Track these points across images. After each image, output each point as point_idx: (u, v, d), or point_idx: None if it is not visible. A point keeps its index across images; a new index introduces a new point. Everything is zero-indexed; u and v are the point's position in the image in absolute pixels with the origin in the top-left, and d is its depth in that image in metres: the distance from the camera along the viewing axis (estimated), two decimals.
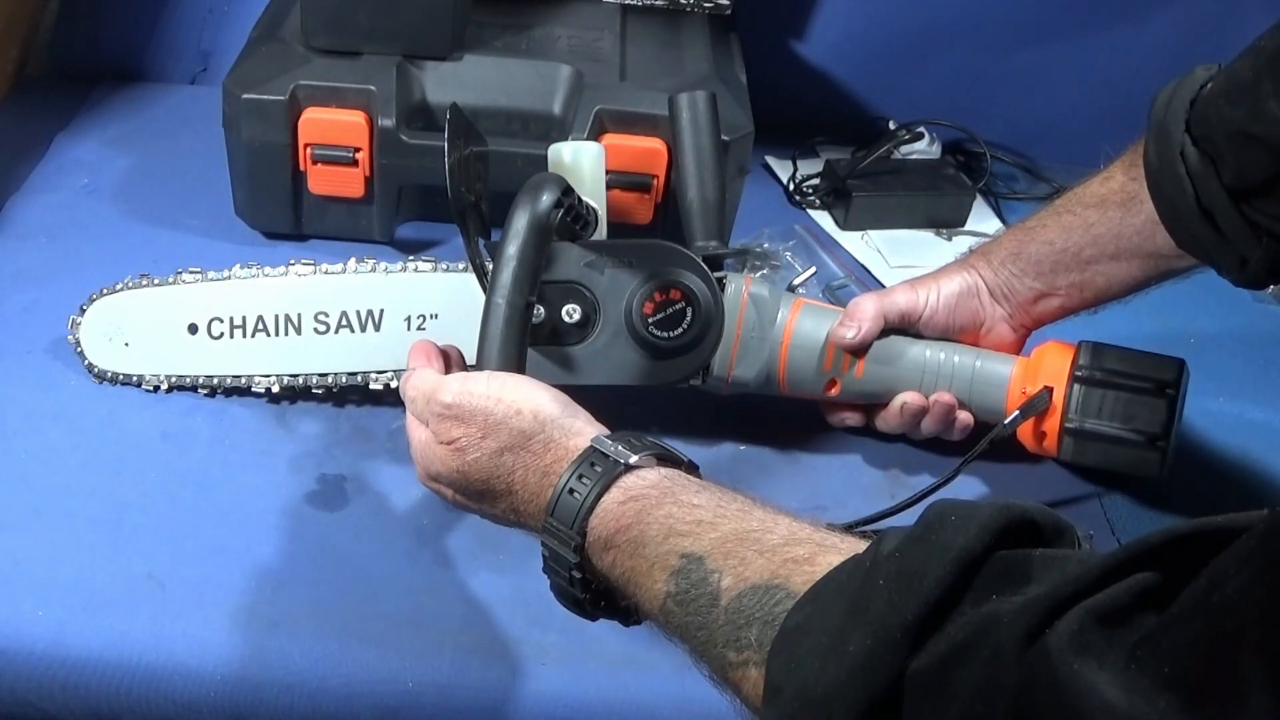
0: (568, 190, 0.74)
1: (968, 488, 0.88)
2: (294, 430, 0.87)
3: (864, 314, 0.85)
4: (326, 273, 0.86)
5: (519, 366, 0.70)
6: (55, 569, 0.74)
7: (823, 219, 1.20)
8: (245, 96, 0.97)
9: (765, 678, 0.49)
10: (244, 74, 0.99)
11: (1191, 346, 1.07)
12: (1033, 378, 0.85)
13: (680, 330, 0.82)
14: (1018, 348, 0.89)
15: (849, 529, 0.82)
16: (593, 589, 0.61)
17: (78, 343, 0.87)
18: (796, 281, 1.08)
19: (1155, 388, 0.83)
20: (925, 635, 0.44)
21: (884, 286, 1.11)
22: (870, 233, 1.18)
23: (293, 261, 0.87)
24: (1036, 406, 0.84)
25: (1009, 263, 0.86)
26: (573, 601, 0.62)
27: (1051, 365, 0.85)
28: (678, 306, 0.81)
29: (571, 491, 0.60)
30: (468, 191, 0.80)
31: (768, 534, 0.54)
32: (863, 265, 1.14)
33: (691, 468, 0.63)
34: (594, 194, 0.80)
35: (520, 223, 0.71)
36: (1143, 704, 0.36)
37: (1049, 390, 0.84)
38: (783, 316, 0.86)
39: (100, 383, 0.87)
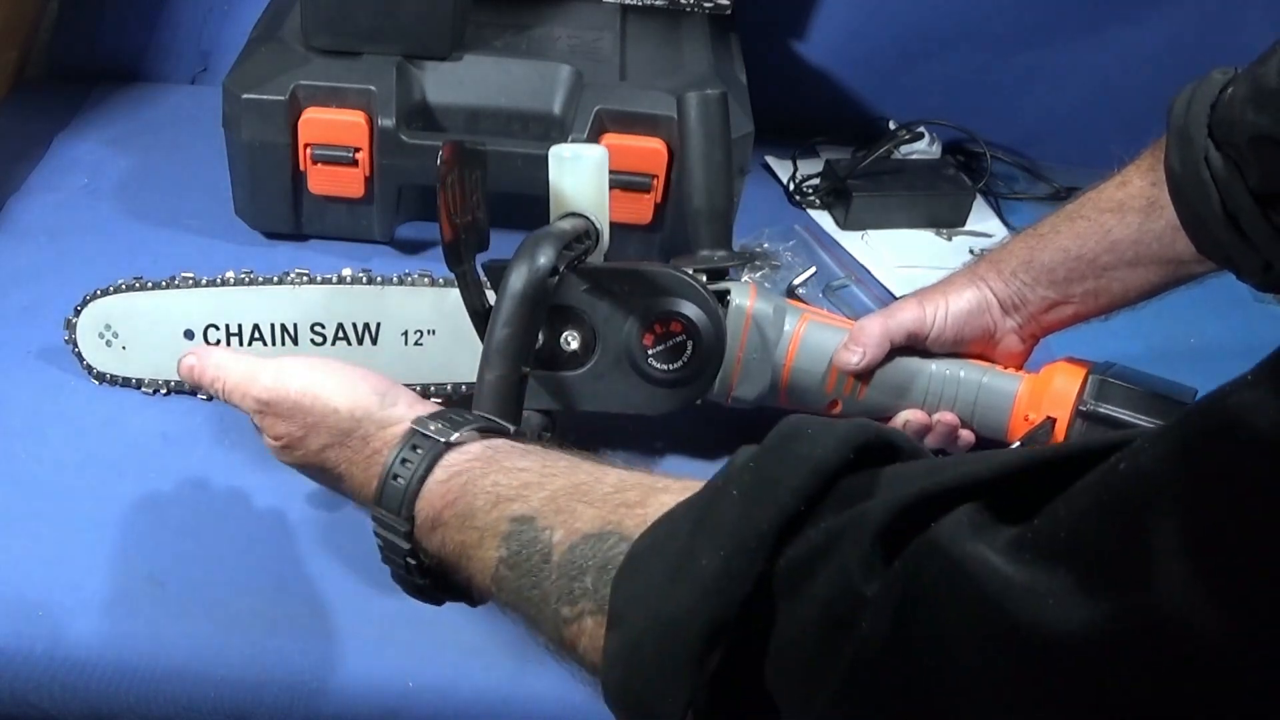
0: (569, 243, 0.72)
1: None
2: None
3: (869, 339, 0.83)
4: (321, 284, 0.85)
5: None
6: (55, 569, 0.74)
7: (823, 219, 1.20)
8: (245, 96, 0.97)
9: (608, 613, 0.47)
10: (244, 74, 0.99)
11: (1193, 348, 1.08)
12: (1038, 403, 0.83)
13: (680, 363, 0.80)
14: (1025, 356, 0.88)
15: None
16: (431, 573, 0.59)
17: (75, 344, 0.86)
18: (796, 281, 1.08)
19: None
20: (782, 544, 0.42)
21: (884, 286, 1.11)
22: (870, 233, 1.18)
23: (288, 272, 0.85)
24: (1038, 438, 0.82)
25: (1020, 272, 0.85)
26: (415, 589, 0.60)
27: (1058, 391, 0.83)
28: (678, 339, 0.80)
29: (395, 477, 0.58)
30: (460, 213, 0.76)
31: (598, 484, 0.53)
32: (863, 265, 1.14)
33: (518, 436, 0.62)
34: (596, 202, 0.78)
35: (515, 286, 0.69)
36: (1042, 576, 0.34)
37: (1052, 421, 0.82)
38: (786, 336, 0.84)
39: (100, 384, 0.87)
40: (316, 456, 0.64)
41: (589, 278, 0.78)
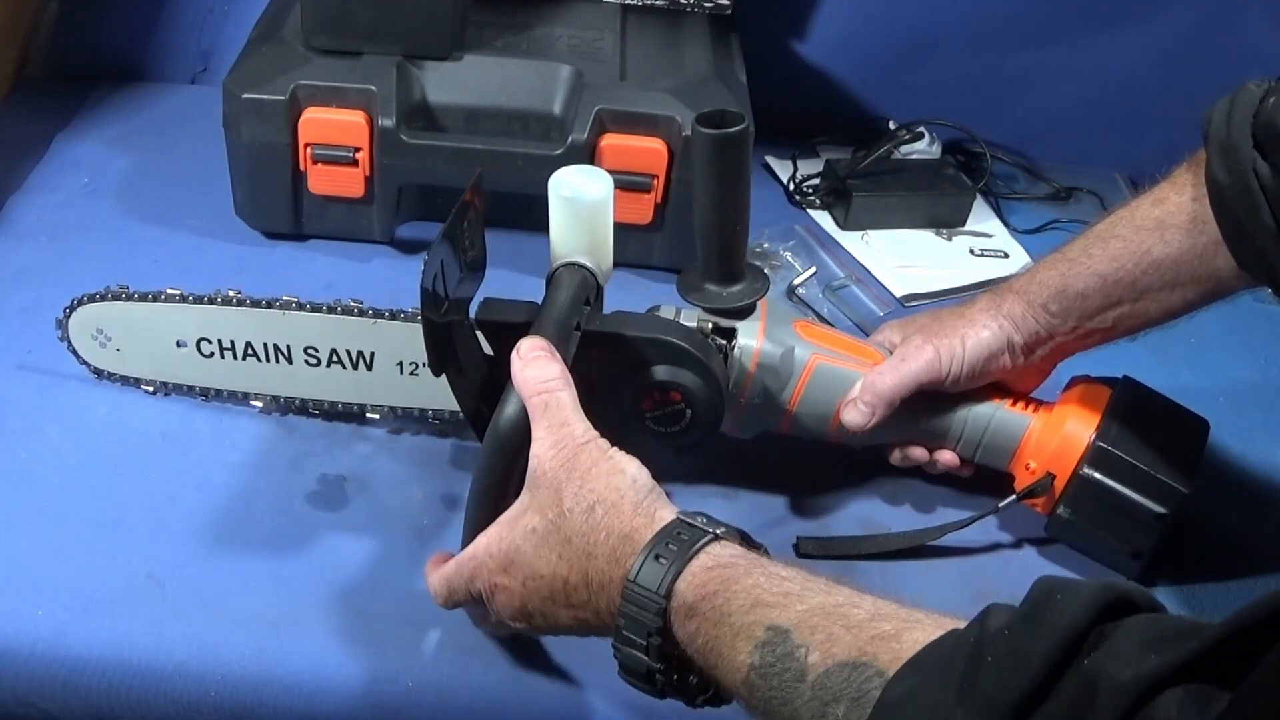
0: (572, 329, 0.70)
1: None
2: (294, 430, 0.87)
3: (878, 397, 0.80)
4: (311, 312, 0.82)
5: None
6: (55, 569, 0.74)
7: (823, 219, 1.20)
8: (245, 96, 0.97)
9: None
10: (244, 74, 0.99)
11: (1193, 347, 1.08)
12: (1045, 447, 0.82)
13: (678, 428, 0.78)
14: (1041, 381, 0.86)
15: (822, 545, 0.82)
16: (668, 657, 0.59)
17: (69, 341, 0.86)
18: (796, 281, 1.08)
19: (1153, 516, 0.79)
20: (1029, 712, 0.44)
21: (884, 286, 1.11)
22: (870, 233, 1.18)
23: (276, 298, 0.83)
24: (1035, 492, 0.82)
25: (1052, 303, 0.80)
26: (644, 675, 0.60)
27: (1065, 442, 0.81)
28: (676, 407, 0.78)
29: (658, 558, 0.58)
30: (448, 292, 0.72)
31: (854, 609, 0.54)
32: (863, 265, 1.14)
33: (767, 553, 0.62)
34: (596, 243, 0.75)
35: (504, 431, 0.67)
36: None
37: (1051, 477, 0.81)
38: (793, 379, 0.81)
39: (99, 379, 0.87)
40: (584, 516, 0.62)
41: (589, 337, 0.74)
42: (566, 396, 0.65)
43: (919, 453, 0.85)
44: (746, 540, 0.61)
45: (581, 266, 0.74)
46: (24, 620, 0.71)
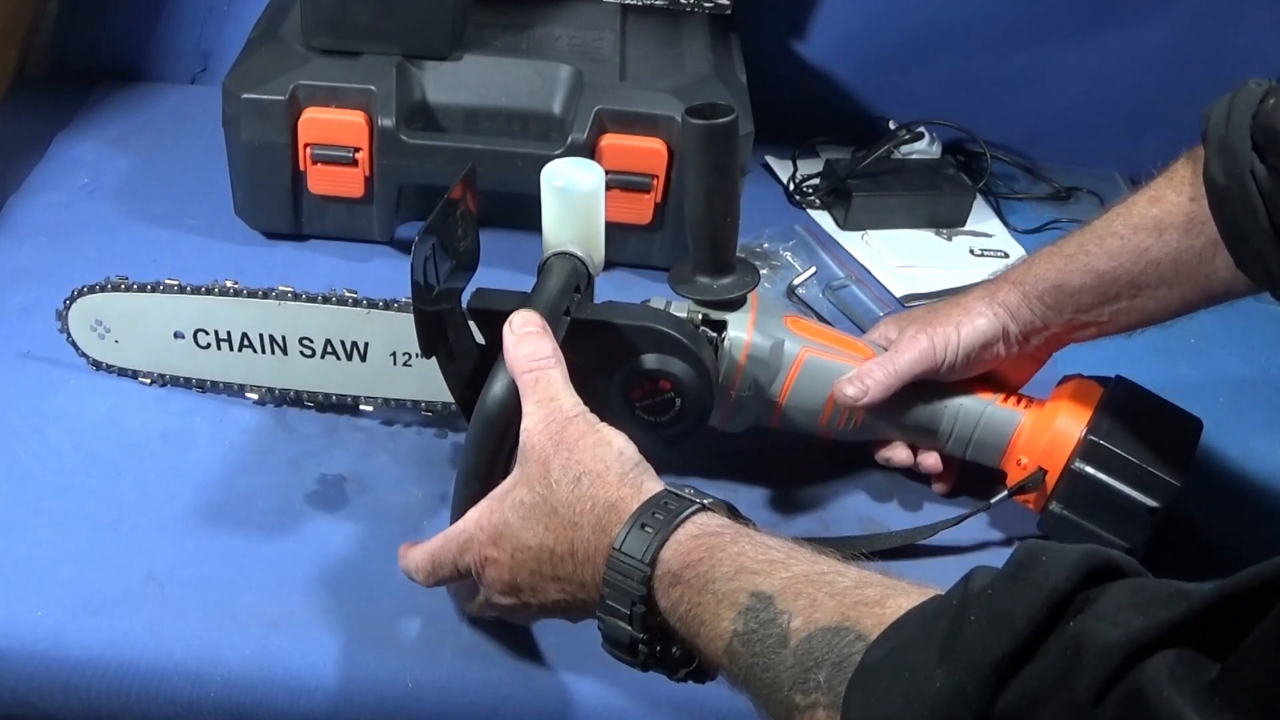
0: (563, 312, 0.70)
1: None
2: (293, 430, 0.87)
3: (874, 381, 0.81)
4: (306, 303, 0.83)
5: None
6: (55, 569, 0.74)
7: (823, 219, 1.20)
8: (245, 96, 0.97)
9: (842, 714, 0.48)
10: (244, 74, 0.99)
11: (1193, 347, 1.08)
12: (1036, 443, 0.82)
13: (668, 418, 0.78)
14: (1036, 371, 0.86)
15: (822, 542, 0.82)
16: (651, 628, 0.58)
17: (69, 332, 0.86)
18: (796, 281, 1.08)
19: (1145, 509, 0.79)
20: (1013, 672, 0.44)
21: (884, 286, 1.11)
22: (870, 233, 1.18)
23: (272, 288, 0.83)
24: (1027, 488, 0.82)
25: (1048, 296, 0.80)
26: (627, 645, 0.59)
27: (1056, 438, 0.81)
28: (666, 396, 0.77)
29: (644, 526, 0.58)
30: (439, 281, 0.73)
31: (839, 577, 0.54)
32: (863, 265, 1.14)
33: (755, 526, 0.62)
34: (588, 234, 0.75)
35: (492, 410, 0.67)
36: None
37: (1043, 473, 0.81)
38: (783, 372, 0.81)
39: (97, 370, 0.87)
40: (571, 486, 0.62)
41: (579, 326, 0.74)
42: (557, 373, 0.66)
43: (903, 455, 0.85)
44: (734, 513, 0.61)
45: (573, 255, 0.74)
46: (24, 620, 0.71)
